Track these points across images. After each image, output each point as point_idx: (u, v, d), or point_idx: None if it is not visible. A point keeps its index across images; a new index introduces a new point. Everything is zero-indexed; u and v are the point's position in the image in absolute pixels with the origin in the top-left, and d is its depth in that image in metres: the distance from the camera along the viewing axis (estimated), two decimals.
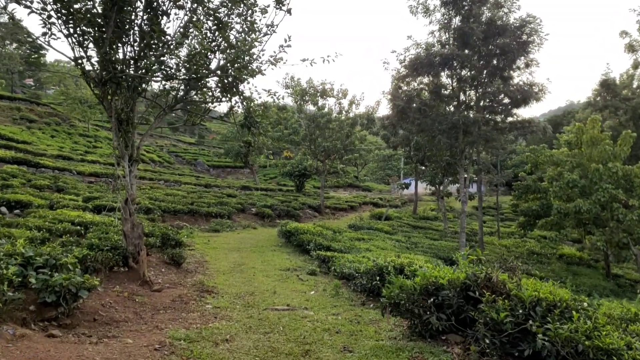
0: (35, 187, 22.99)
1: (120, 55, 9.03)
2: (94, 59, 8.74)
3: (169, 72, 9.04)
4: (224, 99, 10.32)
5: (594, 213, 21.48)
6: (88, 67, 8.82)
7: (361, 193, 61.43)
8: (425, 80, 25.33)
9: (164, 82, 9.73)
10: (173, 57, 8.96)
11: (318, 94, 36.57)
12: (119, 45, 8.94)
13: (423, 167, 40.80)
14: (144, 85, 9.63)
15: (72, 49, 8.59)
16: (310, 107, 37.68)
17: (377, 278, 8.78)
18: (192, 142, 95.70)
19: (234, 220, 26.58)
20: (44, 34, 8.39)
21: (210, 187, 41.52)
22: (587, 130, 24.75)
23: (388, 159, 62.52)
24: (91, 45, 8.68)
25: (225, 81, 9.84)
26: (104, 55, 8.43)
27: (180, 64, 9.13)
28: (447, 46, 22.77)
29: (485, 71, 23.37)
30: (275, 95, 10.96)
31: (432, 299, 5.87)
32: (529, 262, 27.86)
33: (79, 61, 8.70)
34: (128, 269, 9.48)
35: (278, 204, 32.29)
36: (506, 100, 23.25)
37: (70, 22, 8.29)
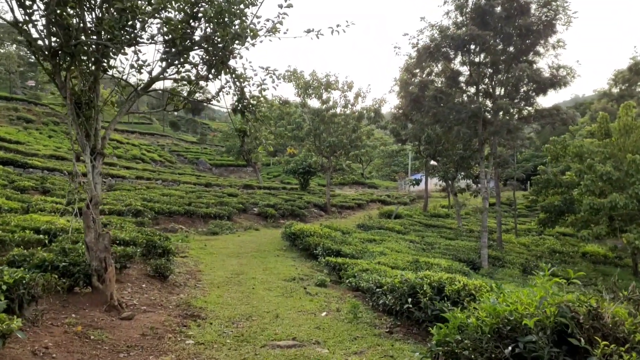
0: (18, 188, 21.15)
1: (79, 22, 7.11)
2: (42, 24, 6.82)
3: (134, 34, 7.09)
4: (211, 77, 8.38)
5: (631, 208, 19.41)
6: (36, 35, 6.91)
7: (367, 190, 59.53)
8: (436, 68, 23.37)
9: (134, 56, 7.77)
10: (141, 18, 7.00)
11: (322, 87, 34.58)
12: (76, 8, 7.01)
13: (434, 162, 38.76)
14: (111, 61, 7.71)
15: (12, 9, 6.68)
16: (314, 102, 35.78)
17: (409, 299, 6.82)
18: (194, 141, 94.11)
19: (234, 221, 24.67)
20: None
21: (210, 186, 39.65)
22: (620, 117, 22.65)
23: (396, 154, 60.46)
24: (37, 6, 6.77)
25: (213, 53, 7.91)
26: (50, 16, 6.50)
27: (148, 25, 7.19)
28: (462, 28, 20.74)
29: (505, 54, 21.30)
30: (274, 73, 9.00)
31: (510, 347, 3.91)
32: (552, 261, 25.90)
33: (23, 27, 6.79)
34: (92, 289, 7.57)
35: (282, 203, 30.37)
36: (531, 86, 21.16)
37: None
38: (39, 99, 72.31)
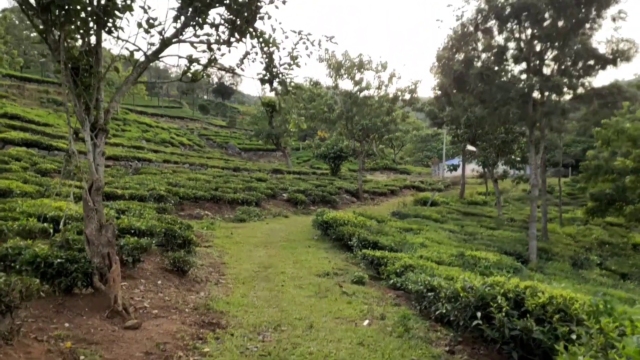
0: (40, 171, 20.41)
1: None
2: None
3: None
4: (234, 41, 7.09)
5: None
6: None
7: (400, 176, 57.98)
8: (480, 45, 21.56)
9: (143, 15, 6.49)
10: None
11: (355, 67, 33.06)
12: None
13: (472, 147, 36.88)
14: (116, 22, 6.46)
15: None
16: (347, 83, 34.32)
17: (478, 313, 5.44)
18: (224, 125, 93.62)
19: (263, 207, 23.53)
20: None
21: (239, 171, 38.71)
22: None
23: (431, 138, 58.48)
24: None
25: (236, 11, 6.61)
26: None
27: None
28: None
29: (558, 27, 19.32)
30: (308, 39, 7.64)
31: None
32: (602, 254, 24.10)
33: None
34: (94, 290, 6.43)
35: (312, 189, 29.10)
36: (585, 63, 19.18)
37: None
38: None
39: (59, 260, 6.09)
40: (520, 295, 5.36)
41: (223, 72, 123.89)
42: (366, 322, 6.98)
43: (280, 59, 7.28)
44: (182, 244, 10.76)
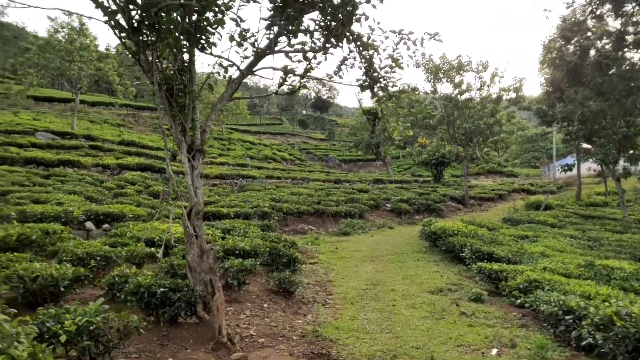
0: (152, 194, 21.25)
1: None
2: None
3: None
4: (330, 47, 6.59)
5: None
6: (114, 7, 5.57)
7: (506, 179, 54.99)
8: (591, 34, 19.54)
9: (235, 28, 6.16)
10: None
11: (454, 70, 31.72)
12: None
13: (587, 145, 33.86)
14: (210, 38, 6.20)
15: None
16: (446, 87, 33.00)
17: None
18: (323, 138, 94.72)
19: (366, 219, 22.94)
20: None
21: (340, 183, 38.52)
22: None
23: (541, 137, 54.92)
24: None
25: (331, 14, 6.12)
26: None
27: None
28: None
29: None
30: (409, 38, 6.94)
31: None
32: None
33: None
34: (198, 319, 6.14)
35: (416, 198, 28.05)
36: None
37: None
38: None
39: (162, 289, 5.85)
40: None
41: (320, 87, 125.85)
42: (494, 351, 6.11)
43: (381, 61, 6.68)
44: (287, 262, 10.43)
